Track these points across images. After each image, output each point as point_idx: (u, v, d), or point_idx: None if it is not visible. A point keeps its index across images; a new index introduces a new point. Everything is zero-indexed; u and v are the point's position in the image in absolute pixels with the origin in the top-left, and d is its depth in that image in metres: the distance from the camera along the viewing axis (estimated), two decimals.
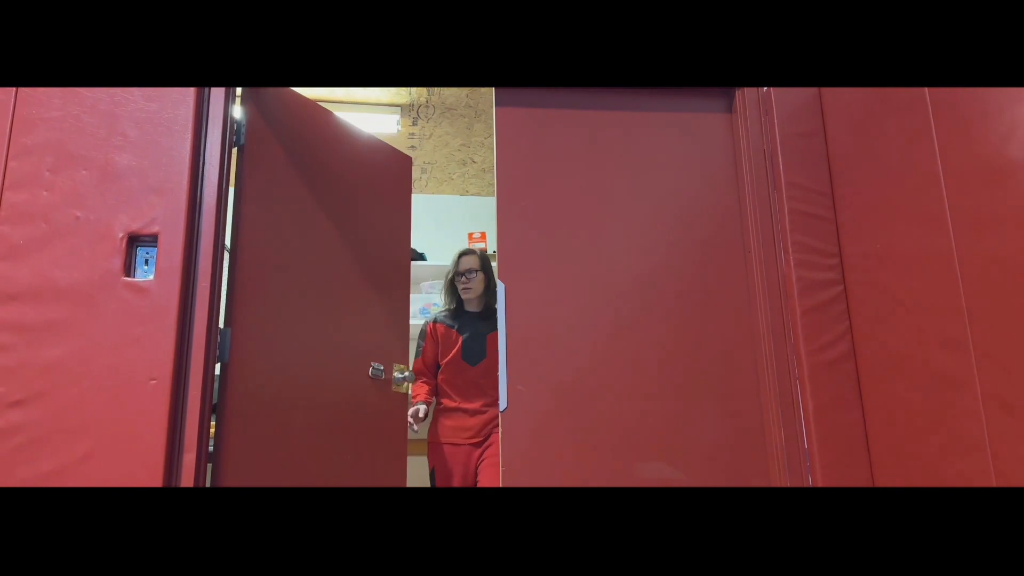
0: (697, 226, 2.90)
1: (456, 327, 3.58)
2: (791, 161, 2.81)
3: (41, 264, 2.25)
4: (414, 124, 4.29)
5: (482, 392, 3.47)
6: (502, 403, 2.55)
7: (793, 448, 2.60)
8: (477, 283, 3.61)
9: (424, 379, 3.63)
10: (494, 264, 3.09)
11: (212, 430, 2.41)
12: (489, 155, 4.63)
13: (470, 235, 4.95)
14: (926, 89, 2.27)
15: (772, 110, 2.87)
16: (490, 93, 3.03)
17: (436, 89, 3.90)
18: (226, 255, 2.55)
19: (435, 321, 3.67)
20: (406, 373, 3.25)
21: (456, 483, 3.38)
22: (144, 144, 2.39)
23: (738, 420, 2.71)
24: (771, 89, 2.90)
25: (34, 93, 2.37)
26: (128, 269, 2.31)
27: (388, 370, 3.19)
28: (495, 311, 3.14)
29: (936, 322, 2.22)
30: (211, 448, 2.39)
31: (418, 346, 3.65)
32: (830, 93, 2.86)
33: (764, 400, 2.72)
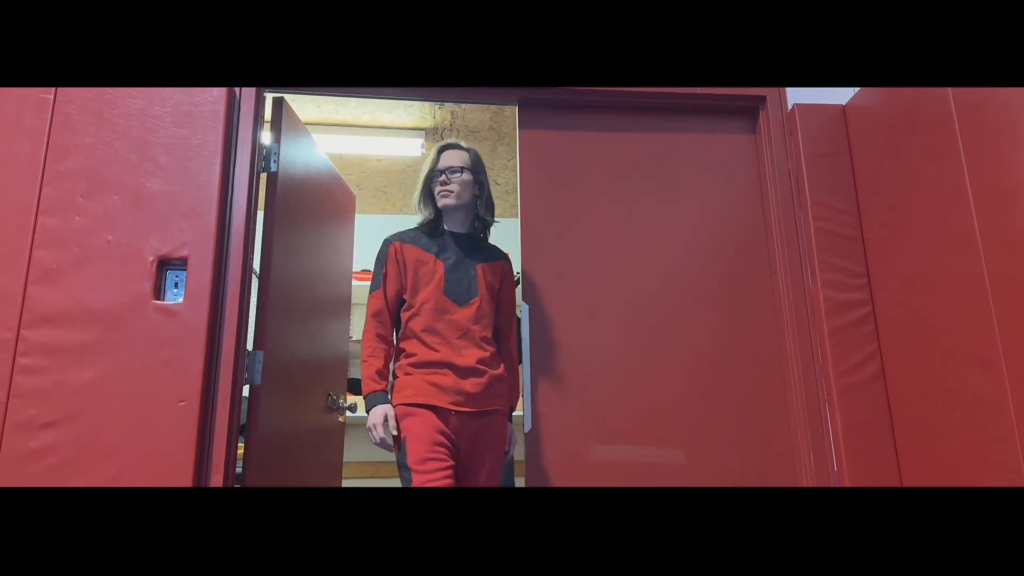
0: (723, 246, 2.88)
1: (434, 250, 2.41)
2: (816, 180, 2.80)
3: (74, 287, 2.29)
4: None
5: (476, 344, 2.34)
6: (527, 424, 2.55)
7: (823, 471, 2.57)
8: (462, 186, 2.44)
9: (380, 332, 2.36)
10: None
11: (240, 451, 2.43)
12: (512, 177, 4.65)
13: None
14: (952, 107, 2.26)
15: (796, 130, 2.86)
16: (513, 116, 3.05)
17: (460, 112, 3.93)
18: (254, 278, 2.58)
19: (401, 240, 2.46)
20: (348, 402, 3.18)
21: (431, 452, 2.17)
22: (174, 169, 2.43)
23: (767, 443, 2.68)
24: (795, 108, 2.89)
25: (68, 120, 2.42)
26: (158, 292, 2.35)
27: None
28: (486, 239, 2.57)
29: (967, 343, 2.19)
30: (239, 470, 2.40)
31: (375, 276, 2.45)
32: (854, 112, 2.85)
33: (793, 423, 2.69)
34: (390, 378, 2.37)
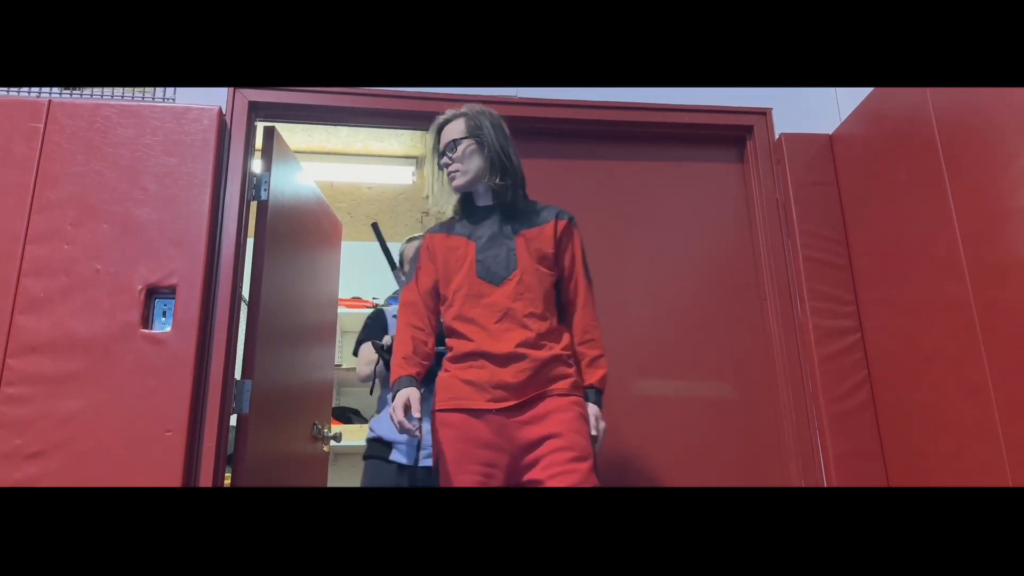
0: (712, 274, 2.89)
1: (466, 232, 2.12)
2: (804, 209, 2.82)
3: (61, 316, 2.28)
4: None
5: (519, 324, 1.96)
6: None
7: None
8: (466, 159, 2.11)
9: (410, 321, 2.09)
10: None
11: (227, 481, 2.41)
12: None
13: None
14: (936, 137, 2.29)
15: (783, 159, 2.89)
16: None
17: None
18: (243, 306, 2.57)
19: (433, 231, 2.21)
20: (333, 431, 3.14)
21: (471, 477, 1.90)
22: (164, 198, 2.43)
23: (759, 471, 2.67)
24: (782, 137, 2.92)
25: (58, 149, 2.42)
26: (146, 321, 2.33)
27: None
28: (520, 202, 2.15)
29: (956, 370, 2.20)
30: None
31: (410, 270, 2.27)
32: (840, 141, 2.88)
33: (784, 451, 2.68)
34: (425, 365, 2.05)
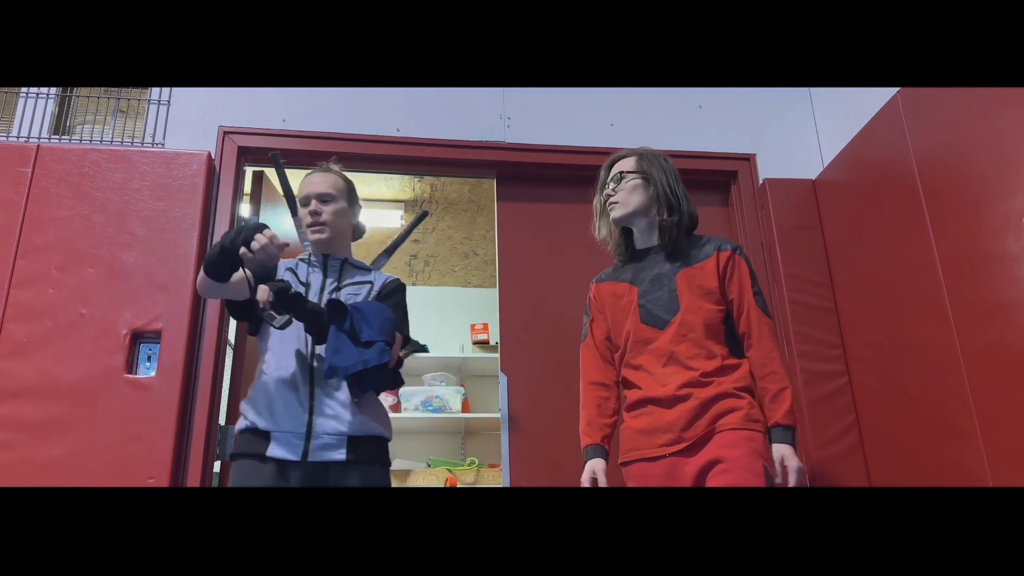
0: None
1: (628, 277, 2.06)
2: (789, 253, 2.85)
3: (44, 361, 2.25)
4: None
5: (681, 365, 1.90)
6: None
7: None
8: (628, 192, 2.05)
9: (590, 379, 2.07)
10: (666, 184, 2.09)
11: None
12: (491, 248, 4.69)
13: (472, 326, 4.96)
14: (918, 181, 2.32)
15: (768, 203, 2.92)
16: (492, 188, 3.10)
17: (439, 185, 3.98)
18: (229, 351, 2.55)
19: (599, 280, 2.18)
20: None
21: None
22: (151, 242, 2.42)
23: None
24: (766, 182, 2.96)
25: (46, 193, 2.42)
26: (130, 366, 2.31)
27: None
28: (684, 241, 2.04)
29: (943, 412, 2.20)
30: None
31: (584, 327, 2.18)
32: (824, 186, 2.92)
33: None
34: (610, 424, 2.01)
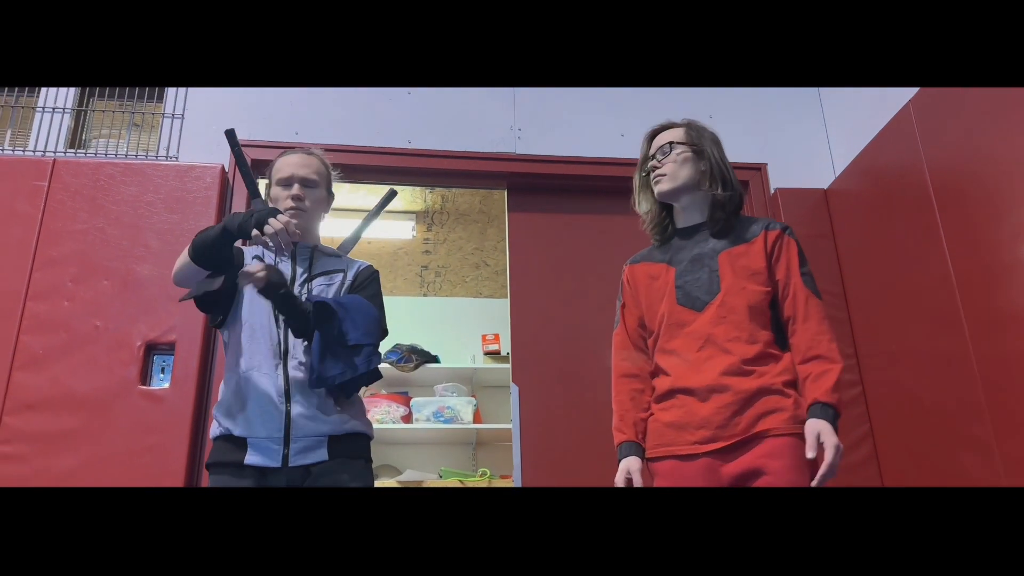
0: None
1: (666, 258, 1.89)
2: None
3: (59, 373, 2.27)
4: (428, 230, 4.38)
5: (719, 348, 1.71)
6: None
7: None
8: (678, 164, 1.85)
9: (621, 371, 1.90)
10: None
11: None
12: (502, 258, 4.69)
13: (483, 337, 4.95)
14: (931, 191, 2.31)
15: (779, 213, 2.91)
16: (503, 199, 3.11)
17: (450, 196, 3.99)
18: None
19: (632, 262, 1.98)
20: None
21: None
22: (165, 254, 2.44)
23: None
24: (777, 192, 2.95)
25: (62, 207, 2.45)
26: (144, 377, 2.33)
27: None
28: (732, 220, 1.84)
29: (959, 423, 2.18)
30: None
31: (616, 312, 1.99)
32: (836, 195, 2.91)
33: None
34: (644, 418, 1.83)
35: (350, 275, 1.89)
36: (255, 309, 1.76)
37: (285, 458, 1.67)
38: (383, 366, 4.40)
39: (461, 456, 4.65)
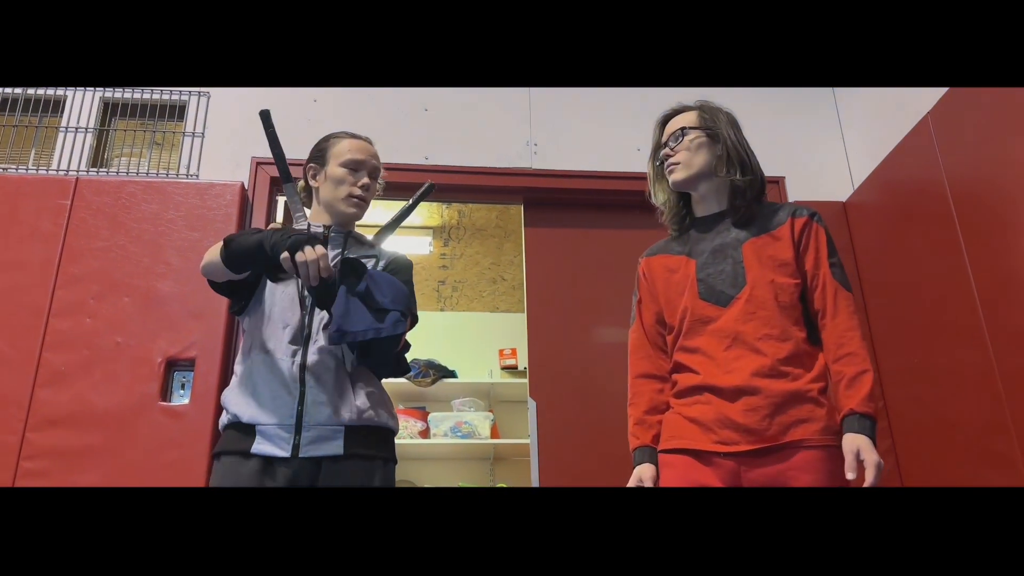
0: None
1: (685, 250, 1.77)
2: None
3: (81, 390, 2.29)
4: (445, 245, 4.40)
5: (749, 348, 1.60)
6: None
7: None
8: (692, 152, 1.74)
9: (639, 371, 1.81)
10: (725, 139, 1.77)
11: None
12: (519, 272, 4.70)
13: (500, 352, 4.95)
14: (951, 203, 2.29)
15: None
16: (519, 214, 3.12)
17: (467, 211, 4.01)
18: None
19: (648, 255, 1.87)
20: None
21: None
22: (186, 271, 2.47)
23: None
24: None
25: (83, 225, 2.48)
26: (165, 393, 2.34)
27: None
28: (755, 207, 1.72)
29: (983, 439, 2.15)
30: None
31: (632, 308, 1.89)
32: (854, 208, 2.89)
33: None
34: (660, 421, 1.74)
35: (383, 262, 1.77)
36: (278, 292, 1.66)
37: (295, 447, 1.54)
38: (400, 381, 4.42)
39: (479, 471, 4.64)
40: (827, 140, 3.18)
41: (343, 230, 1.78)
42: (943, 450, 2.34)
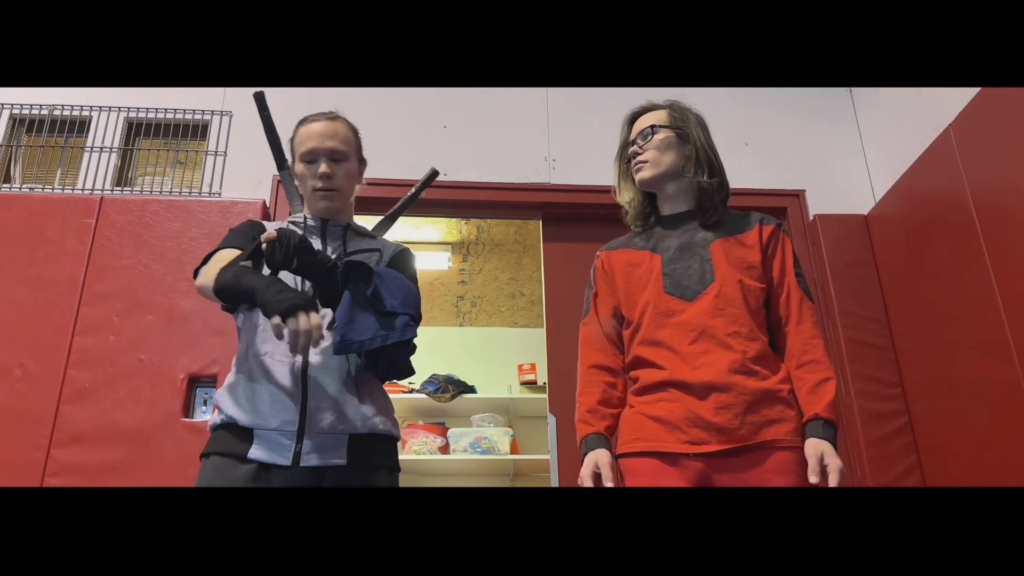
0: None
1: (649, 245, 1.74)
2: (842, 290, 2.79)
3: (105, 406, 2.31)
4: (464, 260, 4.41)
5: (717, 343, 1.56)
6: None
7: None
8: (659, 149, 1.72)
9: (592, 362, 1.72)
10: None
11: None
12: (537, 288, 4.70)
13: (520, 367, 4.94)
14: (974, 215, 2.27)
15: (819, 239, 2.88)
16: (538, 229, 3.12)
17: (485, 227, 4.02)
18: None
19: (608, 249, 1.86)
20: None
21: None
22: None
23: None
24: (816, 219, 2.92)
25: (108, 243, 2.51)
26: (187, 410, 2.36)
27: None
28: (719, 210, 1.71)
29: (1009, 452, 2.12)
30: None
31: (585, 302, 1.85)
32: (876, 221, 2.87)
33: None
34: (615, 415, 1.67)
35: (386, 256, 1.68)
36: None
37: (296, 455, 1.43)
38: (419, 396, 4.42)
39: (499, 487, 4.63)
40: (847, 154, 3.16)
41: (341, 222, 1.68)
42: (970, 465, 2.30)
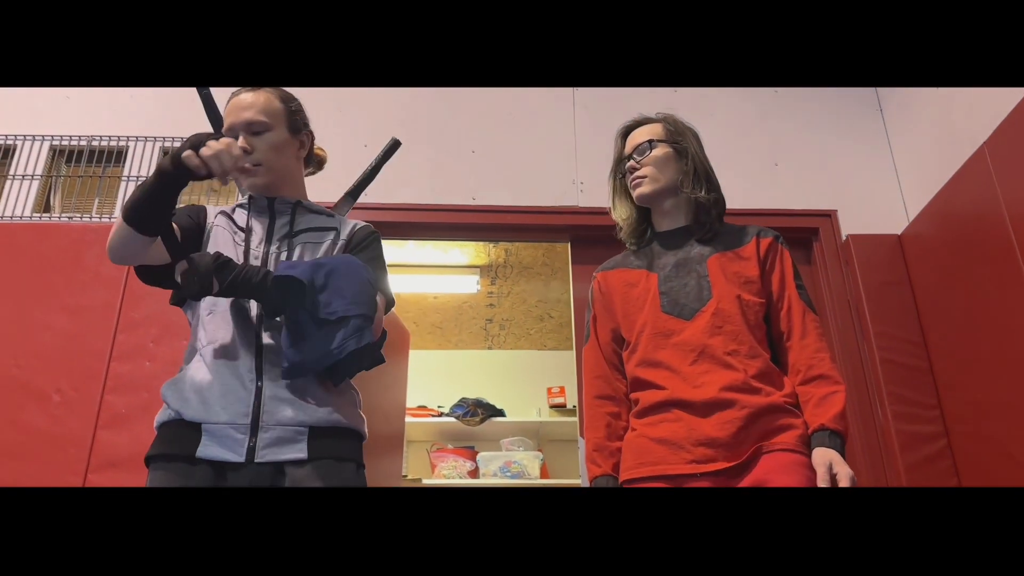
0: None
1: (645, 263, 1.70)
2: (877, 310, 2.75)
3: (140, 432, 2.34)
4: (492, 283, 4.42)
5: (718, 362, 1.53)
6: None
7: None
8: (657, 165, 1.68)
9: (596, 392, 1.70)
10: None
11: None
12: (566, 310, 4.69)
13: (549, 390, 4.93)
14: (1012, 235, 2.23)
15: (852, 260, 2.84)
16: (566, 252, 3.12)
17: (513, 250, 4.03)
18: None
19: (604, 269, 1.82)
20: None
21: None
22: None
23: None
24: (849, 239, 2.88)
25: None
26: None
27: None
28: (715, 225, 1.69)
29: None
30: None
31: (586, 326, 1.81)
32: (910, 240, 2.83)
33: None
34: (620, 448, 1.63)
35: (344, 234, 1.56)
36: None
37: (251, 451, 1.30)
38: (449, 420, 4.42)
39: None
40: (879, 172, 3.13)
41: (289, 199, 1.56)
42: (1010, 487, 2.24)
